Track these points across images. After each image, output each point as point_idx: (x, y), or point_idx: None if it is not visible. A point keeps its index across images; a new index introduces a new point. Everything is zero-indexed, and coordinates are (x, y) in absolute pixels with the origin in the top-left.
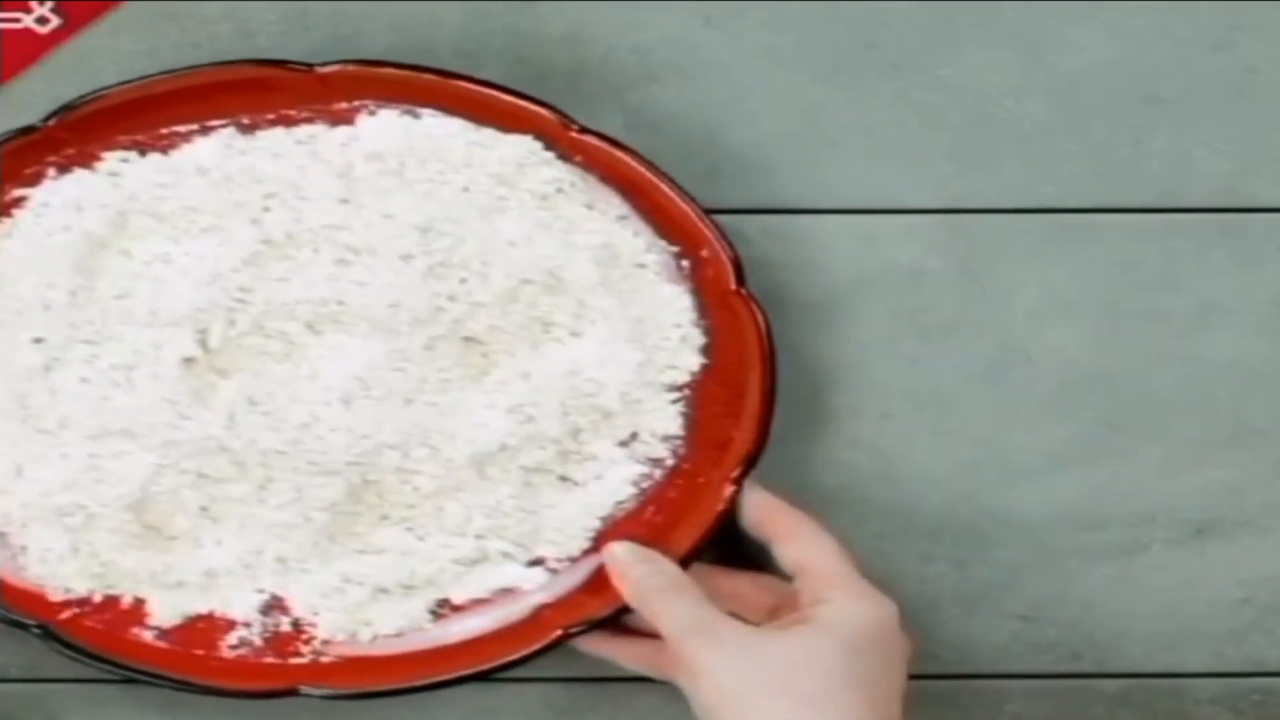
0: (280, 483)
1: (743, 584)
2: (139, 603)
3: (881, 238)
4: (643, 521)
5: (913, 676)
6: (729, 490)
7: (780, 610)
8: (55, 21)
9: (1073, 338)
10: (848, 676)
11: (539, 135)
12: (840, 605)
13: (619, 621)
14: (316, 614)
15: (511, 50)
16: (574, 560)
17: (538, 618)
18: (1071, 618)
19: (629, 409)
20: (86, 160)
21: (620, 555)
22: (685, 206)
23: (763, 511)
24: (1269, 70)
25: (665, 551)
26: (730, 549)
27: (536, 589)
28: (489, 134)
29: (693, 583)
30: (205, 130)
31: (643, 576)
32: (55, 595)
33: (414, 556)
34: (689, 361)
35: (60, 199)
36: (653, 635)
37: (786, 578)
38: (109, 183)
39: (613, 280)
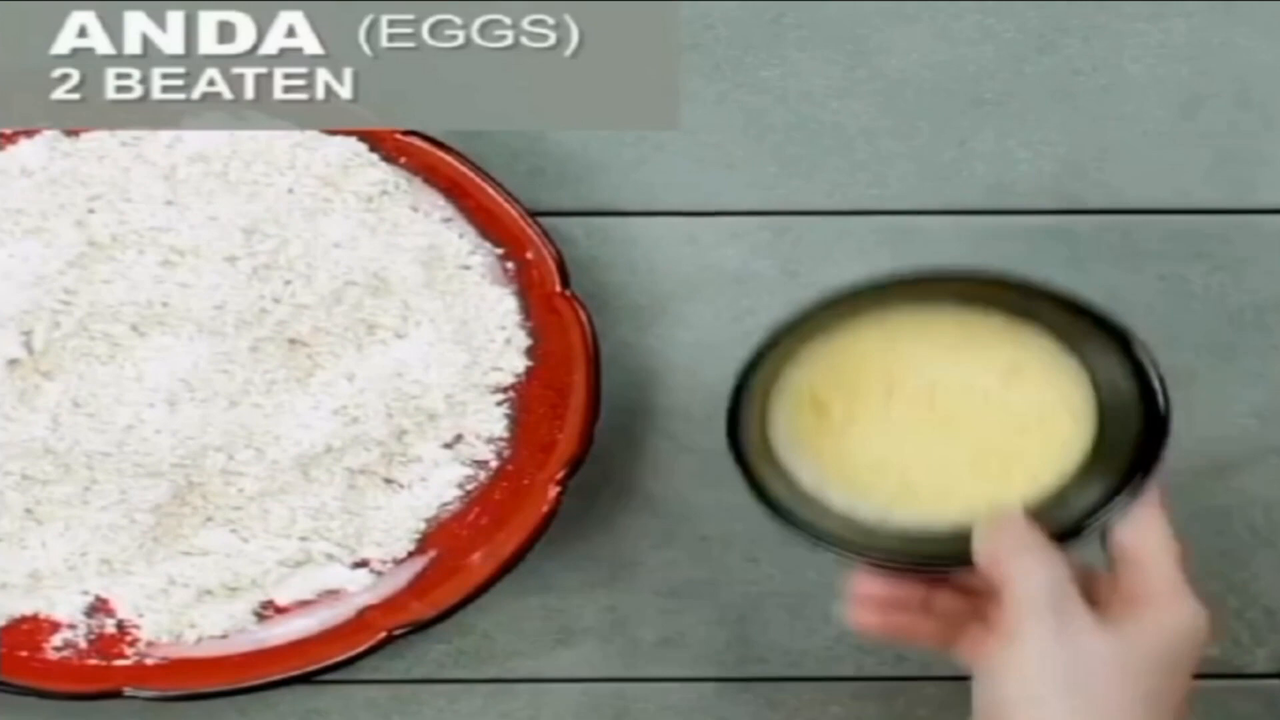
0: (105, 484)
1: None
2: None
3: (706, 240)
4: (468, 523)
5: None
6: (553, 492)
7: (1094, 598)
8: None
9: None
10: (1146, 688)
11: (364, 137)
12: (1165, 614)
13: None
14: (141, 615)
15: None
16: (399, 562)
17: (362, 619)
18: None
19: (454, 411)
20: None
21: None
22: (510, 208)
23: None
24: (1094, 72)
25: (491, 554)
26: None
27: (361, 590)
28: (313, 136)
29: (1062, 558)
30: (30, 132)
31: (1013, 532)
32: None
33: (239, 558)
34: (514, 364)
35: None
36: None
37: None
38: None
39: (437, 282)
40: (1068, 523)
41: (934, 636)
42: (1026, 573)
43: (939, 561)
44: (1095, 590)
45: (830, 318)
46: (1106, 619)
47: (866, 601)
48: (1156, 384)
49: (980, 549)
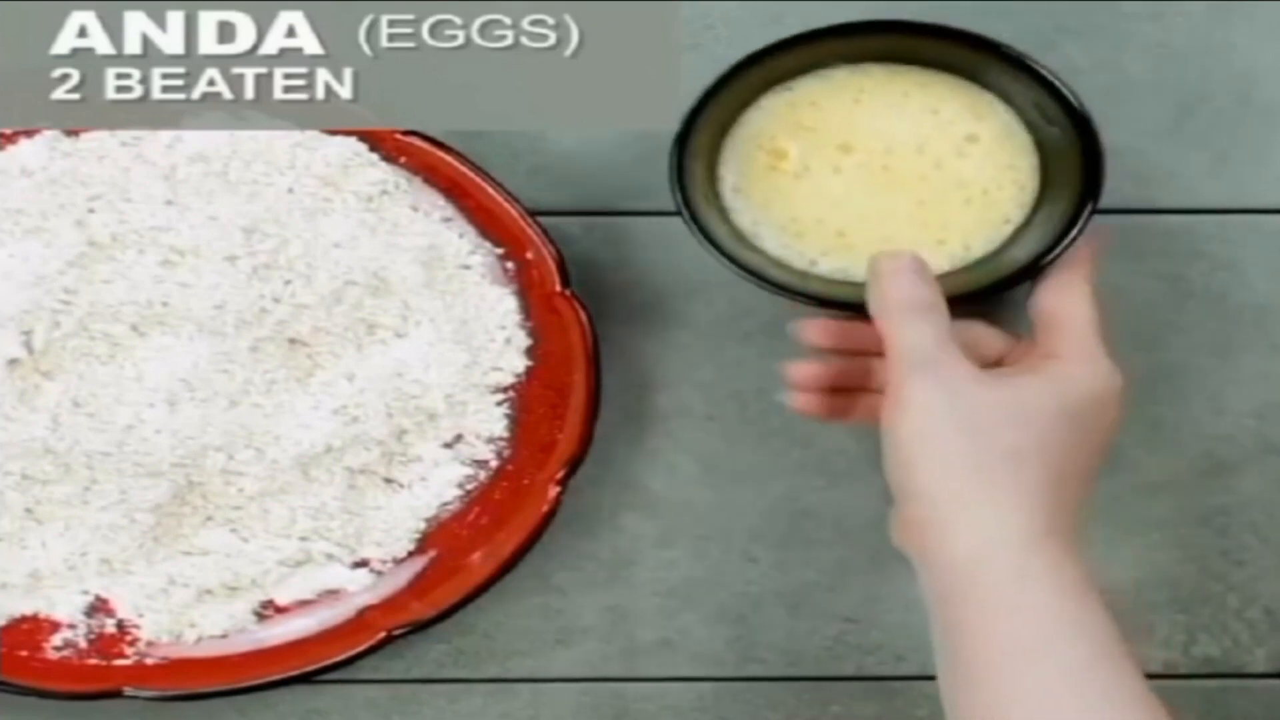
0: (105, 484)
1: (977, 331)
2: None
3: None
4: (468, 523)
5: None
6: (553, 492)
7: (1007, 360)
8: None
9: None
10: (1041, 436)
11: (363, 137)
12: (1069, 367)
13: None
14: (141, 615)
15: None
16: (399, 561)
17: (362, 619)
18: (896, 620)
19: (454, 411)
20: None
21: (886, 262)
22: (510, 208)
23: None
24: (1094, 71)
25: (490, 554)
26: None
27: (361, 590)
28: (313, 136)
29: (945, 314)
30: (30, 132)
31: (898, 288)
32: None
33: (239, 558)
34: (514, 363)
35: None
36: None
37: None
38: None
39: (437, 282)
40: (1000, 274)
41: (871, 413)
42: (902, 328)
43: (854, 308)
44: (1014, 354)
45: (797, 67)
46: (1002, 374)
47: (806, 384)
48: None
49: (870, 301)
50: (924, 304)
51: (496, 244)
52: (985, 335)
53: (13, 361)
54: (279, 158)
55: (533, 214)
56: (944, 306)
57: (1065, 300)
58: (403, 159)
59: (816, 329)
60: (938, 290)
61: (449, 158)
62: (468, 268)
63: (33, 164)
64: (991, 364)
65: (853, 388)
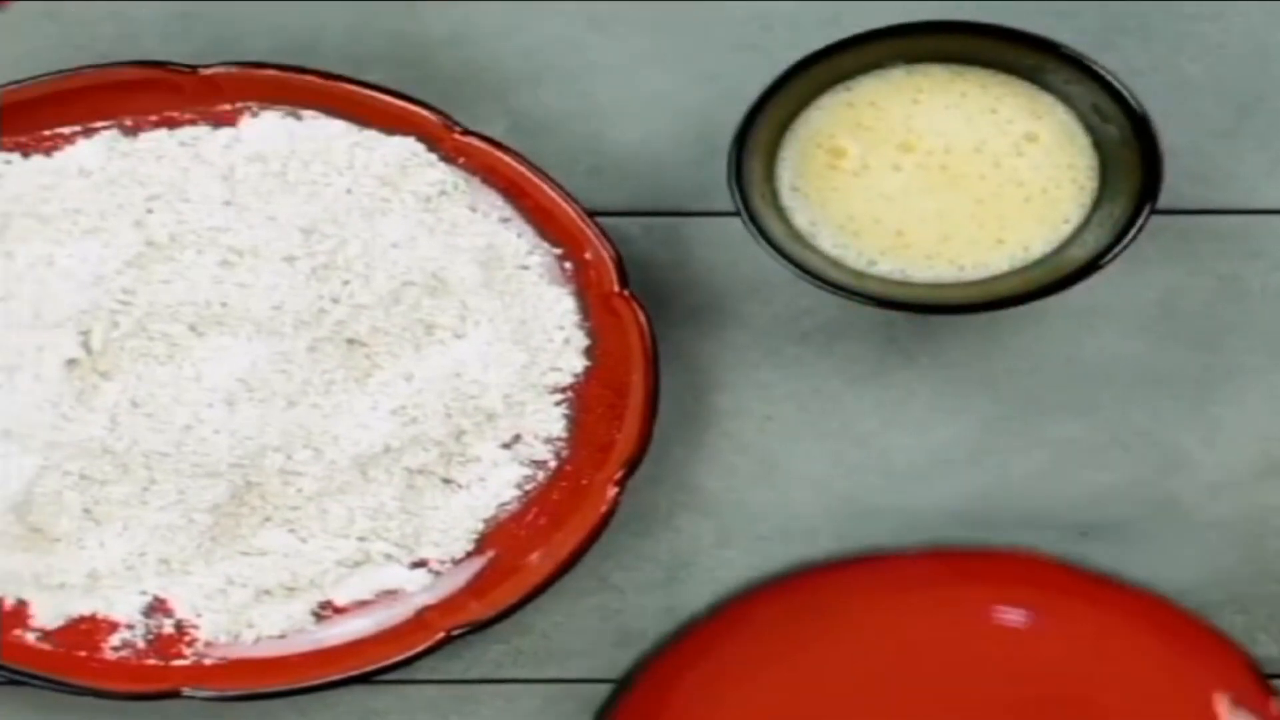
0: (163, 484)
1: None
2: (21, 605)
3: None
4: (526, 523)
5: None
6: (612, 492)
7: None
8: None
9: (955, 340)
10: None
11: (422, 137)
12: None
13: None
14: (199, 615)
15: (395, 53)
16: (457, 562)
17: (421, 619)
18: None
19: (512, 411)
20: None
21: None
22: (568, 208)
23: None
24: (1152, 72)
25: (549, 554)
26: None
27: (419, 591)
28: (372, 136)
29: None
30: (88, 132)
31: None
32: None
33: (297, 558)
34: (572, 363)
35: None
36: None
37: None
38: None
39: (496, 282)
40: (1060, 274)
41: None
42: None
43: (913, 308)
44: None
45: (856, 67)
46: None
47: None
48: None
49: None
50: None
51: (555, 244)
52: None
53: (71, 362)
54: (337, 158)
55: (591, 214)
56: None
57: None
58: (461, 159)
59: None
60: None
61: (508, 158)
62: (526, 268)
63: (91, 164)
64: None
65: None
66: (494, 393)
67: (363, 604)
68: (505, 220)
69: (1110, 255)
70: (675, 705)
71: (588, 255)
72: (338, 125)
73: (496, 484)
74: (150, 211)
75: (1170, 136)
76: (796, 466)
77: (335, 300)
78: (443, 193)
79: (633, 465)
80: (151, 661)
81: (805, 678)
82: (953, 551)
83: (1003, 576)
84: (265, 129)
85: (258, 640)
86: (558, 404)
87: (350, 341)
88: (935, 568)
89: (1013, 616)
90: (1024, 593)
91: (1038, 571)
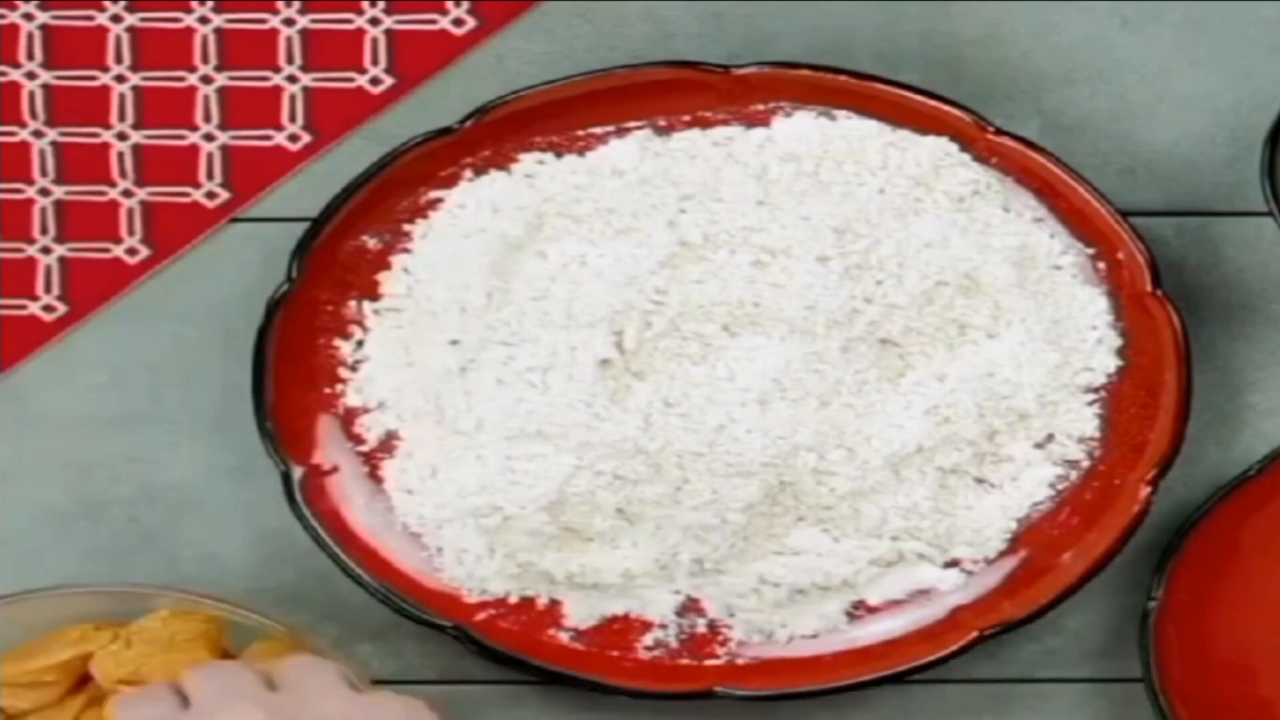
0: (696, 484)
1: None
2: (554, 604)
3: None
4: (1058, 524)
5: None
6: (1144, 492)
7: None
8: (471, 23)
9: None
10: None
11: (955, 137)
12: None
13: None
14: (732, 615)
15: (927, 52)
16: (990, 562)
17: (954, 619)
18: None
19: (1045, 411)
20: (502, 162)
21: None
22: (1101, 208)
23: None
24: None
25: (1081, 554)
26: None
27: (953, 590)
28: (905, 136)
29: None
30: (621, 132)
31: None
32: (471, 597)
33: (830, 558)
34: (1105, 363)
35: (476, 201)
36: None
37: None
38: (525, 184)
39: (1029, 282)
40: None
41: None
42: None
43: None
44: None
45: None
46: None
47: None
48: None
49: None
50: None
51: (1088, 244)
52: None
53: (604, 362)
54: (870, 158)
55: (1124, 214)
56: None
57: None
58: (994, 159)
59: None
60: None
61: (1042, 159)
62: (1059, 268)
63: (624, 164)
64: None
65: None
66: (1027, 392)
67: (896, 603)
68: (1038, 220)
69: None
70: None
71: (1121, 255)
72: (871, 125)
73: (1029, 483)
74: (683, 211)
75: None
76: None
77: (868, 300)
78: (976, 193)
79: (1166, 465)
80: (685, 661)
81: None
82: None
83: None
84: (798, 129)
85: (791, 640)
86: (1090, 404)
87: (883, 342)
88: None
89: None
90: None
91: None
